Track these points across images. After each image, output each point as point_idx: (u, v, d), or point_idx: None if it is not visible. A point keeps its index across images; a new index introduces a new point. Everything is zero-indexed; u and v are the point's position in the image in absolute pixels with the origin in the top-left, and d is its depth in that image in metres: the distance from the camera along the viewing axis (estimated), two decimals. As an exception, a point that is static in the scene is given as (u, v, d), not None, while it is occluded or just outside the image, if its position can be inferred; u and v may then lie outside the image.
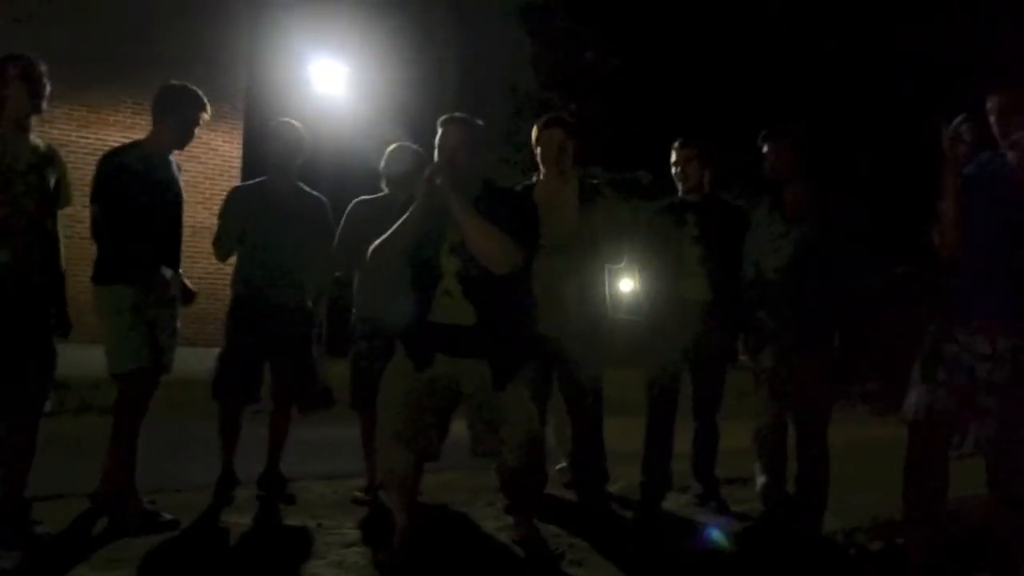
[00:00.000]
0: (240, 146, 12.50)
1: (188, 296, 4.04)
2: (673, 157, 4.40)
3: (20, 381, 3.36)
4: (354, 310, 4.37)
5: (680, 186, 4.40)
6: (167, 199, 3.83)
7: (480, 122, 3.32)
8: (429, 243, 3.18)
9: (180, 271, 3.92)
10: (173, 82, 3.92)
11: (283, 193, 4.30)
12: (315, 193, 4.43)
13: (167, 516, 3.65)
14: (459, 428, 3.28)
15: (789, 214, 3.86)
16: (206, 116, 3.90)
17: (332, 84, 10.81)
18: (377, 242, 3.19)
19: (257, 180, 4.45)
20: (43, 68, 3.45)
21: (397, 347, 3.30)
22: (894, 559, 3.34)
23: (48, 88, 3.47)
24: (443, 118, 3.29)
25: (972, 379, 2.97)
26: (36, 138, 3.51)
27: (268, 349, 4.22)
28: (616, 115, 14.57)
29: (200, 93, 3.87)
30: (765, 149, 3.90)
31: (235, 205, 4.32)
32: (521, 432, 3.12)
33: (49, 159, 3.54)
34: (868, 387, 10.72)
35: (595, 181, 4.48)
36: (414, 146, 4.44)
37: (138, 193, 3.66)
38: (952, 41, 12.57)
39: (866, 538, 3.69)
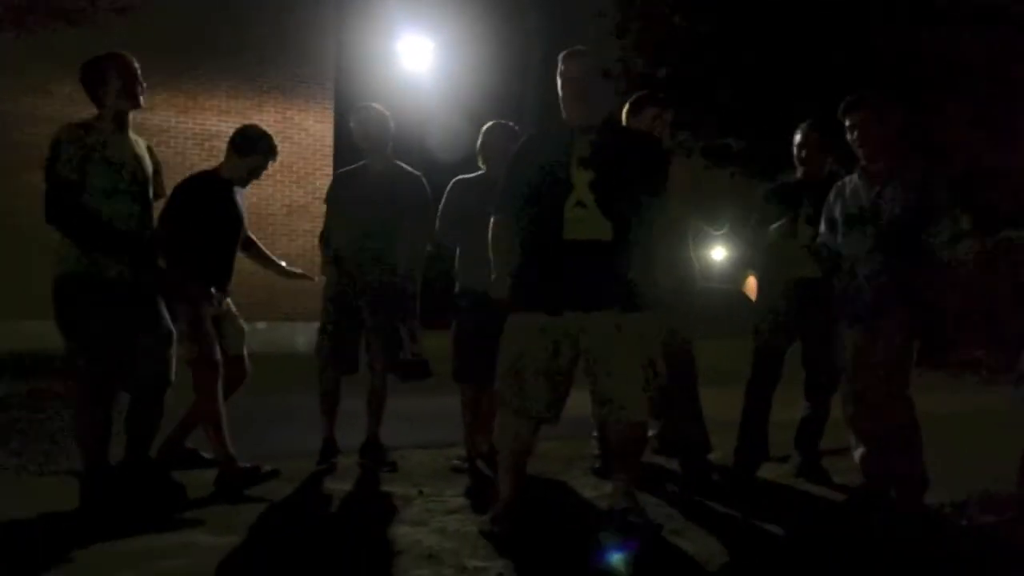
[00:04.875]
0: (331, 126, 12.75)
1: (287, 272, 4.60)
2: (798, 138, 4.33)
3: (143, 362, 3.54)
4: (457, 283, 4.44)
5: (800, 167, 4.34)
6: (227, 229, 4.13)
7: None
8: (557, 159, 3.16)
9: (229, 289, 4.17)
10: (255, 124, 4.28)
11: (380, 174, 4.44)
12: (412, 171, 4.53)
13: (267, 467, 3.94)
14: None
15: (873, 182, 3.75)
16: (273, 164, 4.25)
17: (419, 60, 10.87)
18: None
19: (358, 164, 4.59)
20: (136, 65, 3.59)
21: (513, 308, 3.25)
22: (1006, 533, 3.23)
23: (143, 84, 3.60)
24: (565, 52, 3.29)
25: None
26: (132, 133, 3.65)
27: (363, 323, 4.39)
28: (705, 81, 14.21)
29: (274, 143, 4.21)
30: (848, 122, 3.77)
31: (335, 191, 4.57)
32: (640, 386, 3.12)
33: (146, 152, 3.70)
34: (976, 355, 10.36)
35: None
36: (509, 123, 4.45)
37: (199, 223, 3.97)
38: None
39: (977, 511, 3.57)
